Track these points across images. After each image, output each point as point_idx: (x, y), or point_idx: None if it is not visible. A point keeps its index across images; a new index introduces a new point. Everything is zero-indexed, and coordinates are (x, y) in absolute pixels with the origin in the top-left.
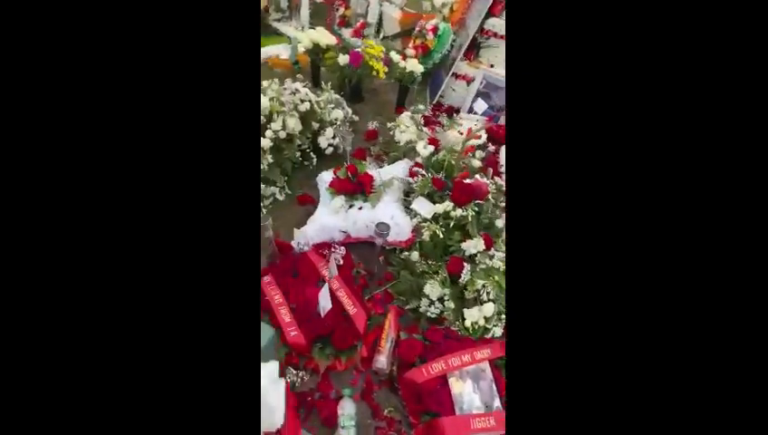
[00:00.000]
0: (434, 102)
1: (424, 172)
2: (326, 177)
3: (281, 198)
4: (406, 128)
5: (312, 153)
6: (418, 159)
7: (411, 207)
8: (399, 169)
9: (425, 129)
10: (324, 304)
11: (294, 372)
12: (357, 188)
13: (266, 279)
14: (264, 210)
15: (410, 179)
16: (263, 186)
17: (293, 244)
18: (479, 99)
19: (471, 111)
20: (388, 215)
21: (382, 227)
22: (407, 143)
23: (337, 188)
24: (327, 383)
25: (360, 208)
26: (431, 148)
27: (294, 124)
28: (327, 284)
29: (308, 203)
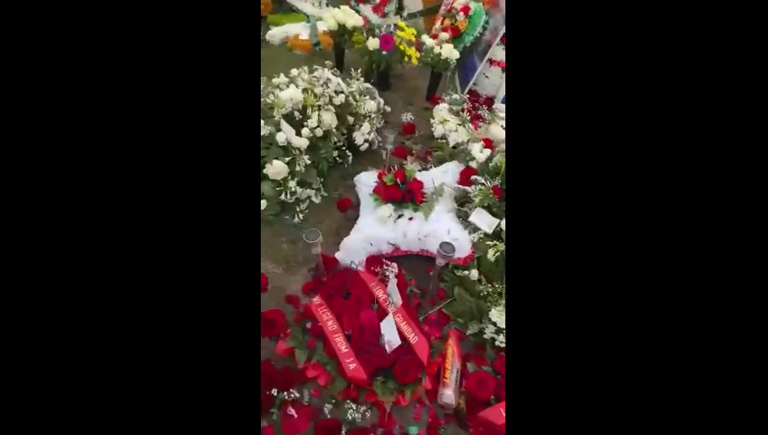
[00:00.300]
0: (466, 90)
1: (482, 181)
2: (365, 178)
3: (317, 200)
4: (445, 121)
5: (347, 151)
6: (473, 164)
7: (470, 219)
8: (449, 173)
9: (469, 124)
10: (391, 338)
11: (354, 407)
12: (406, 196)
13: (316, 301)
14: (299, 216)
15: (468, 189)
16: (298, 189)
17: (347, 262)
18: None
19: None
20: (444, 228)
21: (447, 249)
22: (458, 145)
23: (383, 195)
24: (389, 419)
25: (411, 219)
26: (488, 152)
27: (331, 119)
28: (391, 315)
29: (347, 208)
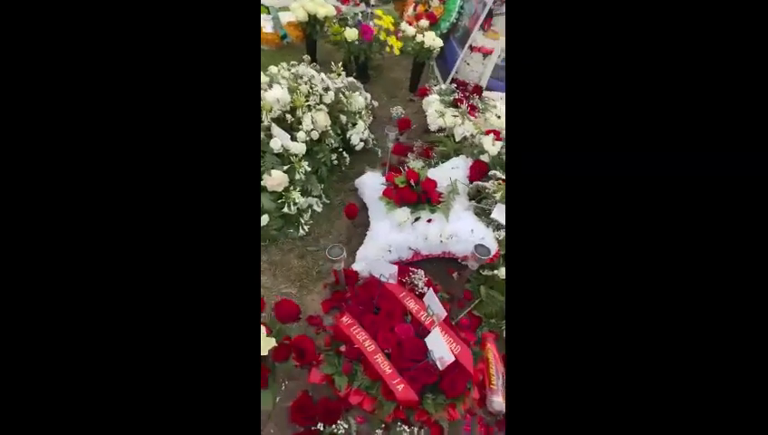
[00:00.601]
0: (448, 80)
1: (501, 175)
2: (368, 181)
3: (319, 209)
4: (444, 114)
5: (344, 152)
6: (483, 158)
7: (492, 216)
8: (459, 169)
9: (470, 117)
10: (443, 355)
11: (407, 429)
12: (421, 198)
13: (346, 320)
14: (304, 228)
15: (486, 184)
16: (301, 199)
17: (376, 275)
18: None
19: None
20: (467, 228)
21: (482, 251)
22: (465, 138)
23: (395, 198)
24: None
25: (430, 221)
26: (499, 144)
27: (324, 120)
28: (437, 330)
29: (356, 215)
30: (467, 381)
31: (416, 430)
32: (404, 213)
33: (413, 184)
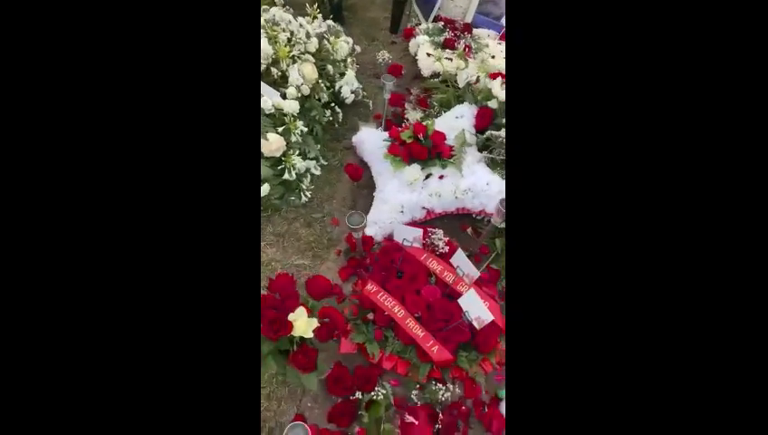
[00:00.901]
0: (431, 18)
1: None
2: (367, 136)
3: (317, 172)
4: (437, 59)
5: (337, 107)
6: (491, 104)
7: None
8: (465, 118)
9: (470, 59)
10: (480, 314)
11: (443, 386)
12: (432, 152)
13: (371, 288)
14: (306, 194)
15: (500, 133)
16: (300, 162)
17: (399, 240)
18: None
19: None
20: (482, 181)
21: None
22: (469, 85)
23: (403, 154)
24: (474, 388)
25: (442, 178)
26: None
27: (312, 71)
28: (472, 290)
29: (360, 176)
30: (498, 334)
31: (450, 386)
32: (415, 171)
33: (421, 138)
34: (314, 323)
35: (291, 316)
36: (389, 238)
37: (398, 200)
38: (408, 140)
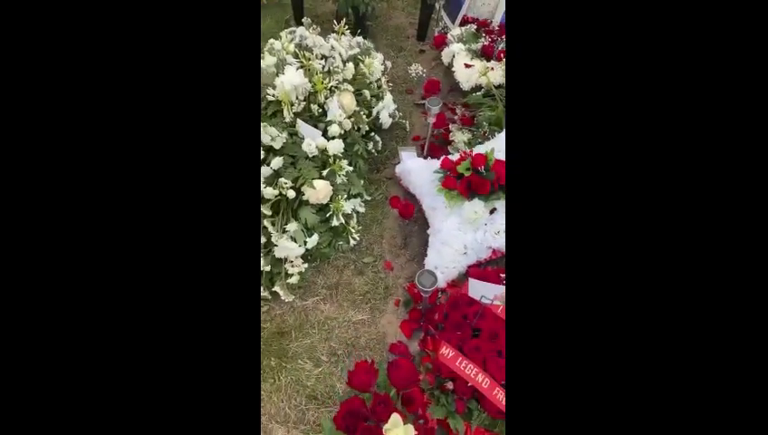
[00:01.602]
0: (457, 21)
1: None
2: (413, 166)
3: (362, 209)
4: (483, 73)
5: (376, 135)
6: None
7: None
8: None
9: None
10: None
11: None
12: (495, 185)
13: (446, 353)
14: (354, 237)
15: None
16: (347, 205)
17: (476, 296)
18: None
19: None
20: None
21: None
22: None
23: (461, 189)
24: None
25: (493, 211)
26: None
27: (351, 102)
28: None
29: (409, 215)
30: None
31: None
32: (477, 206)
33: (481, 170)
34: (411, 430)
35: (385, 428)
36: (453, 284)
37: (461, 241)
38: (466, 173)
